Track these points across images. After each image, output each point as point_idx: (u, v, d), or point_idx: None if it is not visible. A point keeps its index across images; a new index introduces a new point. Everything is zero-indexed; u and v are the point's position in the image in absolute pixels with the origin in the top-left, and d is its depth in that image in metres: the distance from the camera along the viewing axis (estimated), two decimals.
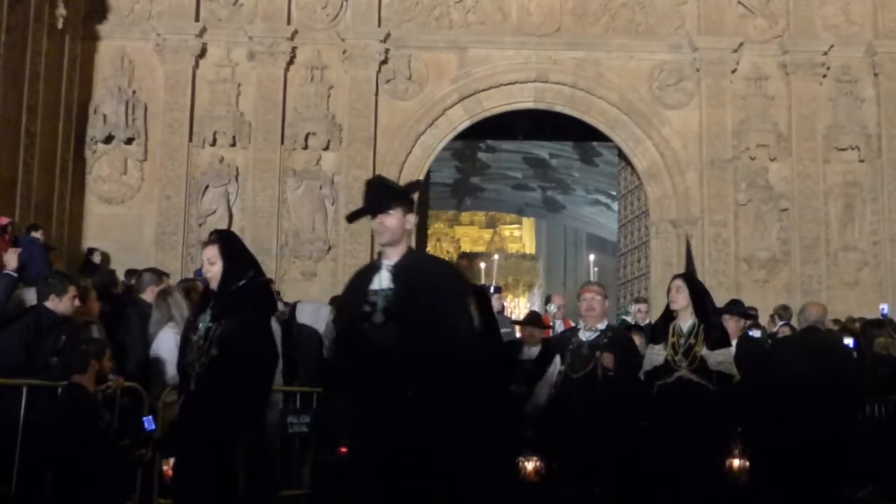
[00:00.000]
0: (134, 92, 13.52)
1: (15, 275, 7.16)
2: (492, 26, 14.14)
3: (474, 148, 20.20)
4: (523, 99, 14.32)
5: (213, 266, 4.67)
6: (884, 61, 13.80)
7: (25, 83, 11.52)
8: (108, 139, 13.40)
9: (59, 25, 12.42)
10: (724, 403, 5.98)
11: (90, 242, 13.09)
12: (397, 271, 4.07)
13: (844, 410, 7.02)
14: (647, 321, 9.77)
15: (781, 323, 10.16)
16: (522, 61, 14.10)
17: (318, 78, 13.73)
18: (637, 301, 11.16)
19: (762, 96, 13.92)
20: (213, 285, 4.71)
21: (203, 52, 13.67)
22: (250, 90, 13.66)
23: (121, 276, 10.46)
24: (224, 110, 13.54)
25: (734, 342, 6.91)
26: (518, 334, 8.73)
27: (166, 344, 6.34)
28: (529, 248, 34.71)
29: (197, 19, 13.62)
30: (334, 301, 7.86)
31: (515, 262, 33.02)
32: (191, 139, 13.48)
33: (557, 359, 6.26)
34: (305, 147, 13.57)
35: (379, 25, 13.85)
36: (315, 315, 7.86)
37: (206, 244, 4.81)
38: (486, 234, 35.13)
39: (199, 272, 8.19)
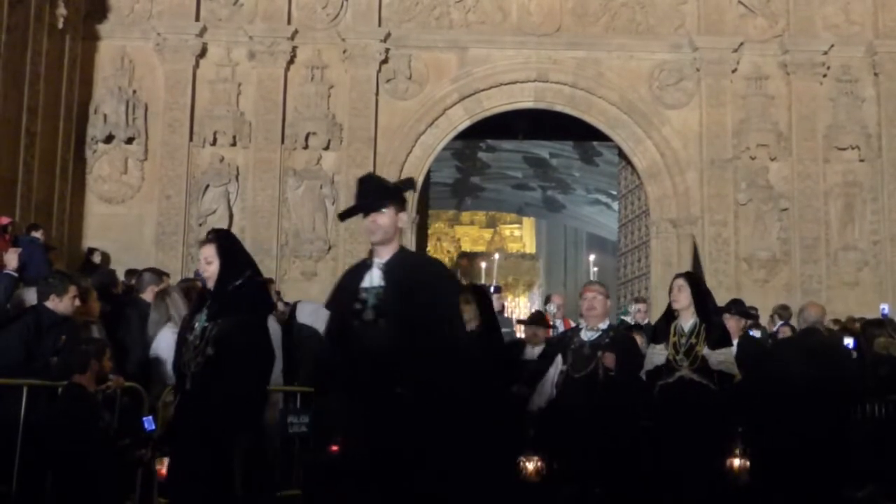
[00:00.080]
0: (134, 92, 13.52)
1: (15, 275, 7.17)
2: (492, 26, 14.13)
3: (474, 148, 20.19)
4: (523, 98, 14.31)
5: (209, 265, 4.66)
6: (884, 61, 13.78)
7: (26, 83, 11.52)
8: (109, 139, 13.40)
9: (60, 25, 12.42)
10: (726, 403, 5.98)
11: (90, 242, 13.09)
12: (388, 269, 4.07)
13: (844, 411, 7.03)
14: (647, 321, 9.79)
15: (781, 323, 10.16)
16: (522, 61, 14.09)
17: (318, 78, 13.72)
18: (637, 301, 11.18)
19: (762, 96, 13.90)
20: (210, 284, 4.70)
21: (203, 52, 13.67)
22: (251, 90, 13.65)
23: (121, 276, 10.42)
24: (224, 110, 13.53)
25: (735, 342, 6.90)
26: (520, 334, 8.72)
27: (166, 344, 6.32)
28: (529, 248, 34.66)
29: (197, 19, 13.62)
30: None
31: (515, 261, 32.99)
32: (191, 139, 13.48)
33: (559, 358, 6.26)
34: (306, 147, 13.56)
35: (379, 25, 13.84)
36: (315, 315, 7.83)
37: (203, 243, 4.80)
38: (487, 234, 35.10)
39: (199, 272, 8.18)
